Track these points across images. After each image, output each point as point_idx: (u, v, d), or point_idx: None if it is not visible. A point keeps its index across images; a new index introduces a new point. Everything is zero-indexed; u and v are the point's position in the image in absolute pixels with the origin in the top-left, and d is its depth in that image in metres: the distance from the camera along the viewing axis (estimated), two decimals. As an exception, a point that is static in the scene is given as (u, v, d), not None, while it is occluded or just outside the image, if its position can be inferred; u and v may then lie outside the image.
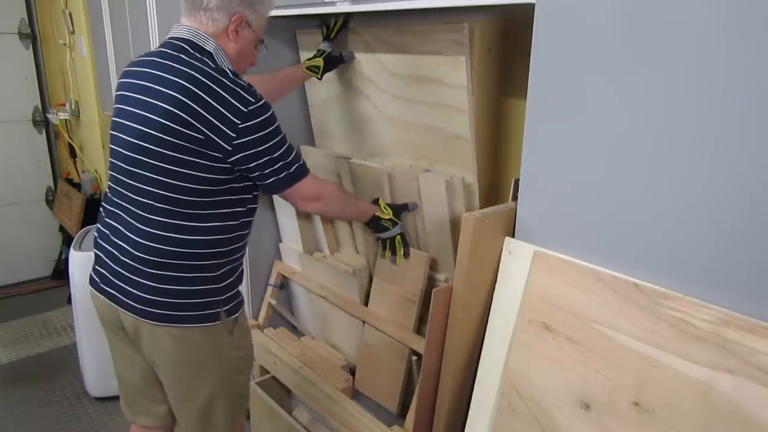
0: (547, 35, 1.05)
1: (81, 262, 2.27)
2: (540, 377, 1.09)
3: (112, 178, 1.30)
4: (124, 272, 1.26)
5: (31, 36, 3.48)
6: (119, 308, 1.28)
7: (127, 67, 1.31)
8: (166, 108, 1.16)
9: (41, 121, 3.62)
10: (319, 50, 1.73)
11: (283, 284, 2.13)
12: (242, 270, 1.39)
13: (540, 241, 1.13)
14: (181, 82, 1.16)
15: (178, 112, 1.15)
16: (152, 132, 1.17)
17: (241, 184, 1.26)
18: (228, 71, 1.21)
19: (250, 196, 1.31)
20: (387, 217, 1.55)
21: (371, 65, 1.68)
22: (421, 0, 1.26)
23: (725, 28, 0.83)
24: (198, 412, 1.35)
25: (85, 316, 2.31)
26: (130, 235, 1.24)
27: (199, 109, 1.14)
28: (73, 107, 3.32)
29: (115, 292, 1.28)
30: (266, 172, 1.23)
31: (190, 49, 1.22)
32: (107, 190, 1.33)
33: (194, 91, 1.15)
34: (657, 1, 0.90)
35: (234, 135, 1.16)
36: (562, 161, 1.07)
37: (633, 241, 0.99)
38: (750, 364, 0.84)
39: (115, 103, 1.29)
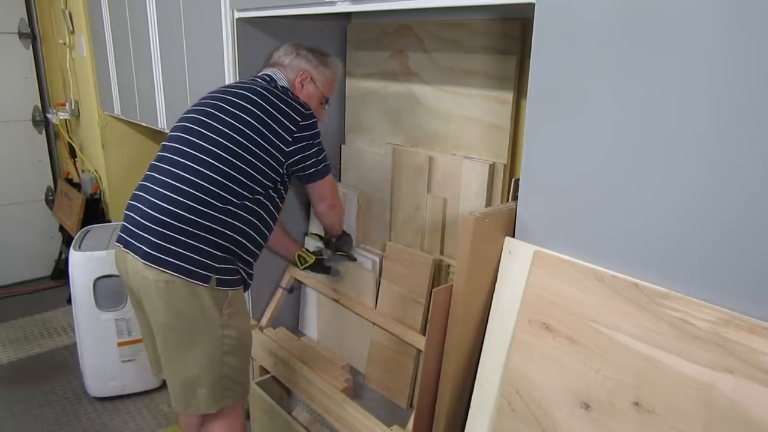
0: (546, 35, 1.05)
1: (81, 262, 2.27)
2: (540, 377, 1.09)
3: (159, 158, 1.48)
4: (137, 230, 1.40)
5: (31, 36, 3.47)
6: (129, 252, 1.41)
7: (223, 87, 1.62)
8: (251, 110, 1.46)
9: (41, 121, 3.61)
10: (318, 250, 1.96)
11: (293, 288, 2.15)
12: (250, 266, 1.53)
13: (540, 240, 1.13)
14: (255, 97, 1.49)
15: (258, 113, 1.46)
16: (247, 130, 1.45)
17: (275, 194, 1.52)
18: (288, 90, 1.59)
19: (275, 212, 1.55)
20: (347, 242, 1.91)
21: (420, 59, 1.75)
22: (421, 0, 1.26)
23: (724, 27, 0.83)
24: (183, 378, 1.44)
25: (85, 316, 2.31)
26: (155, 200, 1.40)
27: (266, 118, 1.47)
28: (73, 107, 3.31)
29: (132, 240, 1.41)
30: (308, 164, 1.55)
31: (267, 80, 1.60)
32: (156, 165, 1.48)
33: (262, 104, 1.48)
34: (656, 0, 0.90)
35: (291, 140, 1.49)
36: (563, 161, 1.07)
37: (633, 241, 0.99)
38: (750, 364, 0.84)
39: (197, 105, 1.54)
